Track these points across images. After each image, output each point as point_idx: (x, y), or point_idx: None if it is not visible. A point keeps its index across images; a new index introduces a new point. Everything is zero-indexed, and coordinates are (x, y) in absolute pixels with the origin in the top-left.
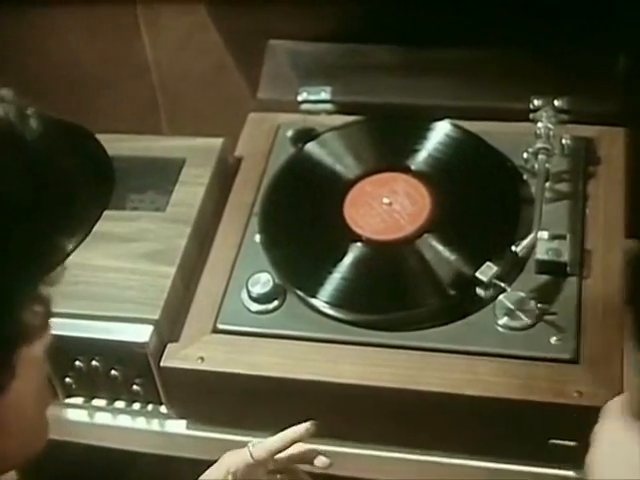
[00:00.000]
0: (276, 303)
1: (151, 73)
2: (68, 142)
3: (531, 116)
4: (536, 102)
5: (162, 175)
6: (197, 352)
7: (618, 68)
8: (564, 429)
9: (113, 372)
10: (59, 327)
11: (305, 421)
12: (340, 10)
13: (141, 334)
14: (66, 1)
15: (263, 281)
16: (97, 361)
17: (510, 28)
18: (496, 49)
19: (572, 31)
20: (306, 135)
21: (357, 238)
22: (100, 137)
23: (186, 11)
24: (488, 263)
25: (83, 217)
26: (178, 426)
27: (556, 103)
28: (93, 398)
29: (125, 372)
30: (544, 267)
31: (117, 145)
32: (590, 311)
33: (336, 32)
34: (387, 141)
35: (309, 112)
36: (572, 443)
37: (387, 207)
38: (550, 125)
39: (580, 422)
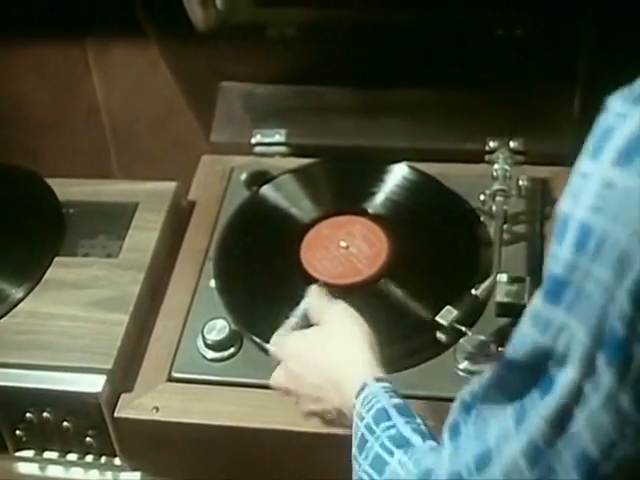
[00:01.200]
0: (232, 350)
1: (101, 115)
2: (15, 187)
3: (487, 157)
4: (492, 144)
5: (114, 220)
6: (152, 402)
7: (572, 108)
8: None
9: (65, 424)
10: (8, 378)
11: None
12: (293, 52)
13: (94, 384)
14: (15, 42)
15: (219, 328)
16: (48, 412)
17: (465, 70)
18: (451, 91)
19: (526, 73)
20: (260, 178)
21: (313, 282)
22: (49, 181)
23: (137, 52)
24: (448, 307)
25: (32, 264)
26: (132, 478)
27: (511, 144)
28: (45, 451)
29: (78, 423)
30: (504, 310)
31: (67, 189)
32: None
33: (290, 74)
34: (343, 183)
35: (263, 155)
36: None
37: (344, 251)
38: (506, 167)
39: None
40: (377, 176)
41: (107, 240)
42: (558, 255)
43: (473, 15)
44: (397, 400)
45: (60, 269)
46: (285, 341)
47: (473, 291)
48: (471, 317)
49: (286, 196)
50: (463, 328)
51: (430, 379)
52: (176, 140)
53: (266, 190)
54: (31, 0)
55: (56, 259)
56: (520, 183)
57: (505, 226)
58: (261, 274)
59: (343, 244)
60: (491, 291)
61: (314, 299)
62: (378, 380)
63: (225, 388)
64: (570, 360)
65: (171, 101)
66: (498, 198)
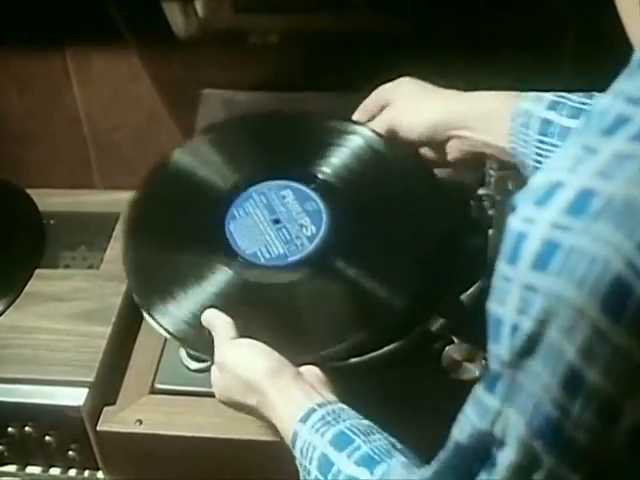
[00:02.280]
0: None
1: (82, 125)
2: None
3: None
4: None
5: (95, 231)
6: (135, 414)
7: None
8: None
9: (47, 438)
10: None
11: None
12: (275, 59)
13: (76, 397)
14: None
15: None
16: (30, 427)
17: (452, 75)
18: None
19: (511, 78)
20: None
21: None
22: (29, 192)
23: (118, 61)
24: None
25: (12, 277)
26: None
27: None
28: (27, 465)
29: (60, 437)
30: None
31: (48, 200)
32: None
33: (271, 81)
34: (276, 142)
35: None
36: None
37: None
38: (492, 172)
39: None
40: (332, 138)
41: (88, 251)
42: (495, 353)
43: (457, 21)
44: (329, 434)
45: (41, 281)
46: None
47: (460, 298)
48: (458, 324)
49: (201, 162)
50: (450, 335)
51: (416, 386)
52: (158, 150)
53: (178, 155)
54: (9, 10)
55: (37, 271)
56: (507, 188)
57: (491, 231)
58: (179, 261)
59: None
60: (478, 297)
61: (215, 328)
62: (302, 419)
63: (209, 399)
64: (508, 443)
65: (152, 110)
66: (485, 203)
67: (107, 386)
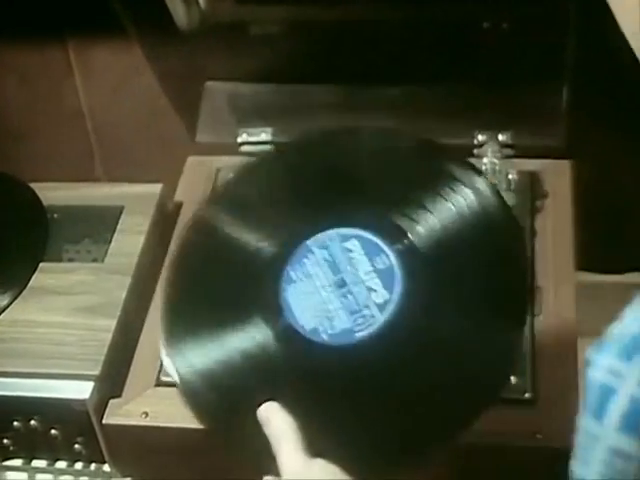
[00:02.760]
0: None
1: (85, 118)
2: None
3: (475, 151)
4: (480, 137)
5: (99, 224)
6: (140, 407)
7: (561, 100)
8: (522, 471)
9: (53, 431)
10: None
11: None
12: (278, 49)
13: (81, 391)
14: None
15: None
16: (36, 421)
17: (451, 64)
18: (437, 85)
19: (513, 65)
20: None
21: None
22: (33, 186)
23: (119, 53)
24: None
25: (16, 271)
26: None
27: (500, 138)
28: (33, 459)
29: (65, 431)
30: None
31: (51, 194)
32: (544, 349)
33: (274, 72)
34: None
35: (249, 154)
36: None
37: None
38: (495, 160)
39: (538, 464)
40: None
41: (92, 245)
42: None
43: (458, 9)
44: None
45: (45, 275)
46: None
47: None
48: None
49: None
50: None
51: None
52: (161, 142)
53: (212, 212)
54: (10, 2)
55: (41, 265)
56: (509, 177)
57: None
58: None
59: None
60: None
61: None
62: None
63: None
64: None
65: (155, 102)
66: None
67: (112, 379)
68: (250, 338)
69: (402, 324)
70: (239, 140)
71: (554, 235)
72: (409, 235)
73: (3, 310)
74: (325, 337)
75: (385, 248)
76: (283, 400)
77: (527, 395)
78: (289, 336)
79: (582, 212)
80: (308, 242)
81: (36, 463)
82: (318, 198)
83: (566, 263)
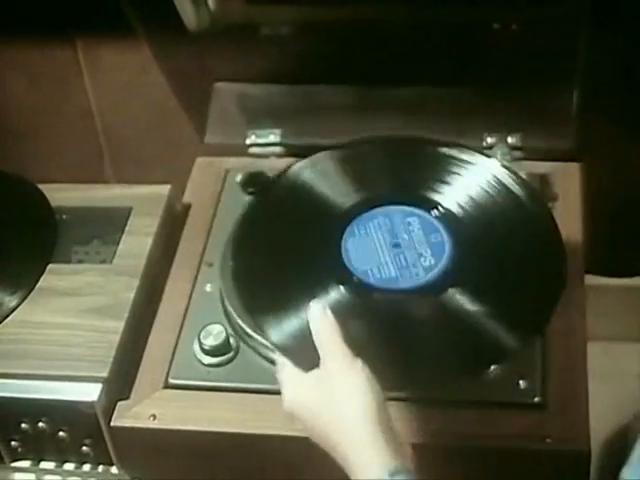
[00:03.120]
0: (230, 355)
1: (94, 118)
2: (6, 193)
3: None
4: (489, 139)
5: (108, 225)
6: (149, 409)
7: (571, 102)
8: (532, 475)
9: (61, 433)
10: (2, 388)
11: None
12: (287, 51)
13: (89, 393)
14: (2, 44)
15: (216, 333)
16: (44, 422)
17: (461, 65)
18: (447, 87)
19: (523, 67)
20: (256, 179)
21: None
22: (41, 187)
23: (128, 54)
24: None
25: (25, 272)
26: None
27: (510, 140)
28: (41, 461)
29: (74, 433)
30: None
31: (59, 195)
32: (554, 353)
33: (284, 73)
34: (397, 167)
35: (258, 155)
36: None
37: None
38: (504, 162)
39: (547, 468)
40: (450, 164)
41: (101, 246)
42: None
43: (469, 10)
44: None
45: (53, 276)
46: (285, 382)
47: None
48: None
49: (323, 176)
50: None
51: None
52: (170, 143)
53: (298, 169)
54: (19, 2)
55: (49, 266)
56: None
57: None
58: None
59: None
60: None
61: (321, 329)
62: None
63: (223, 394)
64: None
65: (164, 103)
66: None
67: (121, 381)
68: (320, 284)
69: (441, 285)
70: (248, 141)
71: (566, 237)
72: (450, 208)
73: (12, 311)
74: (372, 280)
75: (439, 227)
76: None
77: (537, 399)
78: (346, 277)
79: (592, 214)
80: (375, 210)
81: (44, 465)
82: (386, 181)
83: (576, 266)
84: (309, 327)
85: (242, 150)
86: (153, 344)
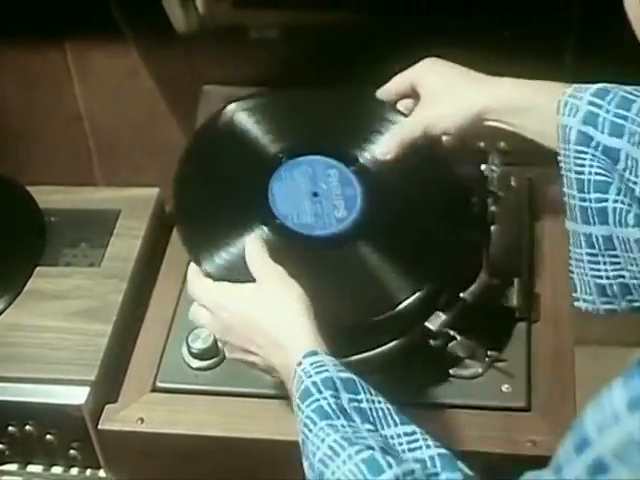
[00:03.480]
0: (217, 359)
1: (84, 122)
2: None
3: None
4: (481, 144)
5: (96, 228)
6: (136, 413)
7: None
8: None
9: (48, 437)
10: None
11: None
12: (275, 54)
13: (77, 396)
14: None
15: (204, 336)
16: (31, 426)
17: None
18: None
19: (512, 74)
20: None
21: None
22: (30, 189)
23: (118, 57)
24: (437, 312)
25: (13, 275)
26: None
27: (501, 145)
28: (28, 464)
29: (61, 436)
30: (493, 313)
31: (48, 198)
32: (541, 356)
33: (272, 76)
34: (332, 118)
35: None
36: None
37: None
38: (495, 167)
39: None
40: (377, 123)
41: (89, 248)
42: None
43: (458, 15)
44: (345, 374)
45: (41, 279)
46: (215, 290)
47: (462, 294)
48: (460, 321)
49: (257, 120)
50: (452, 332)
51: (419, 384)
52: (159, 145)
53: (233, 109)
54: (8, 5)
55: (37, 269)
56: (509, 184)
57: (493, 227)
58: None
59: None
60: (480, 294)
61: (253, 251)
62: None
63: (211, 397)
64: None
65: (153, 106)
66: (487, 200)
67: (108, 384)
68: (248, 221)
69: (351, 236)
70: None
71: (553, 243)
72: (364, 163)
73: None
74: (290, 224)
75: (354, 182)
76: None
77: (522, 403)
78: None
79: None
80: (300, 159)
81: (32, 468)
82: (313, 133)
83: (564, 270)
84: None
85: None
86: (141, 347)
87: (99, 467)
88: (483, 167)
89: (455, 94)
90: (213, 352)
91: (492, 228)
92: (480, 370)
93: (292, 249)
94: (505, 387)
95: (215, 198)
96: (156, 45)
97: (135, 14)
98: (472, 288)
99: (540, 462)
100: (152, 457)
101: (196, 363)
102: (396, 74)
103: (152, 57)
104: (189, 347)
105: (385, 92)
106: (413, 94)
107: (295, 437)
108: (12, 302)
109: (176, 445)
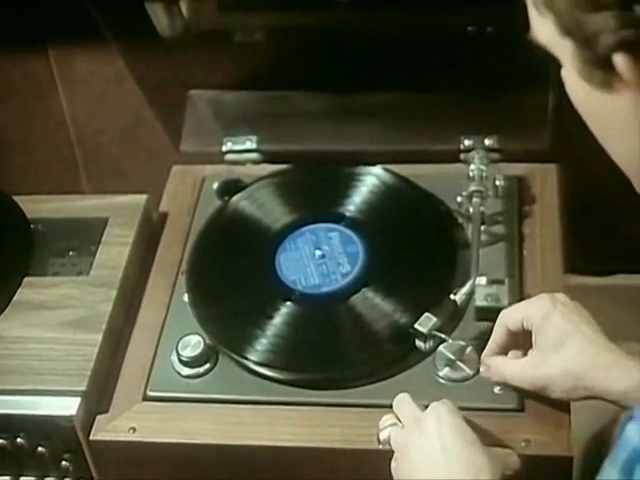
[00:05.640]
0: (208, 366)
1: (69, 129)
2: None
3: (462, 157)
4: (466, 142)
5: (84, 236)
6: (128, 422)
7: (546, 104)
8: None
9: (40, 449)
10: None
11: None
12: (261, 57)
13: (68, 407)
14: None
15: (193, 343)
16: (22, 438)
17: (437, 69)
18: (423, 91)
19: (498, 70)
20: (232, 187)
21: (290, 293)
22: (16, 199)
23: (102, 64)
24: (427, 314)
25: (1, 285)
26: None
27: (487, 142)
28: (20, 476)
29: (53, 448)
30: (483, 314)
31: (34, 206)
32: None
33: (258, 79)
34: (317, 190)
35: (234, 162)
36: None
37: (321, 260)
38: (482, 166)
39: (529, 471)
40: (351, 181)
41: (77, 257)
42: None
43: (443, 15)
44: None
45: (30, 289)
46: (402, 436)
47: (452, 296)
48: (450, 323)
49: (258, 205)
50: (442, 335)
51: (411, 388)
52: (145, 151)
53: (237, 200)
54: None
55: (25, 279)
56: (497, 183)
57: (482, 228)
58: (235, 287)
59: (319, 253)
60: (470, 295)
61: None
62: None
63: (202, 405)
64: None
65: (138, 112)
66: (475, 199)
67: (99, 394)
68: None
69: (354, 289)
70: (224, 149)
71: (542, 241)
72: (353, 216)
73: None
74: (300, 287)
75: (356, 240)
76: None
77: (514, 404)
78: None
79: (568, 215)
80: (303, 229)
81: None
82: (311, 205)
83: (554, 268)
84: None
85: (218, 157)
86: (131, 356)
87: (91, 478)
88: (471, 166)
89: (559, 350)
90: (203, 359)
91: (482, 228)
92: (471, 372)
93: (311, 312)
94: (497, 389)
95: (229, 285)
96: (140, 51)
97: (119, 19)
98: (463, 289)
99: (533, 463)
100: (145, 466)
101: (186, 371)
102: None
103: (136, 63)
104: (179, 355)
105: (492, 345)
106: None
107: (288, 442)
108: (0, 313)
109: (168, 454)
